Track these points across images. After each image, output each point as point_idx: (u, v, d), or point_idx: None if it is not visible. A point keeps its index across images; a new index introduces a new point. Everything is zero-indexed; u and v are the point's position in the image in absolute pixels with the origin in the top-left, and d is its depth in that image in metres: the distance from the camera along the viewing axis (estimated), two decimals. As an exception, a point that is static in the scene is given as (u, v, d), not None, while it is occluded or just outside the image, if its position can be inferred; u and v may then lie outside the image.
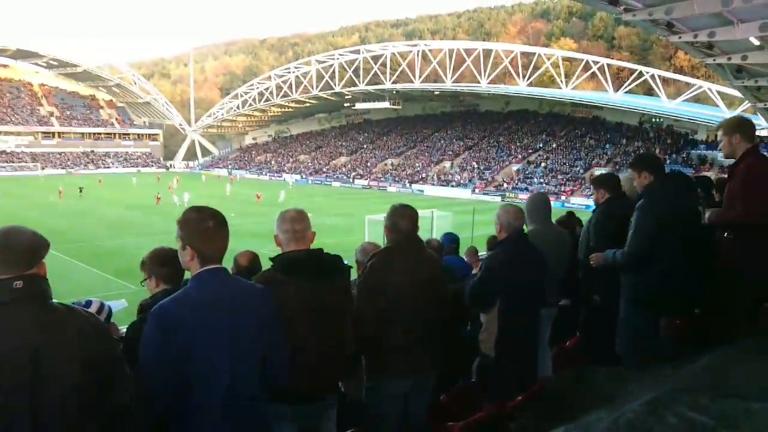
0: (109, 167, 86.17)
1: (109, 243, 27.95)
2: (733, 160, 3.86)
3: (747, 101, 27.49)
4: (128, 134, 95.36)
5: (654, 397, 2.05)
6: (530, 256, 3.99)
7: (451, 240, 5.99)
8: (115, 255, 24.75)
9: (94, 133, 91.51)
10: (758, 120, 30.50)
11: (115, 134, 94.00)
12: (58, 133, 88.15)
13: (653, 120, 57.54)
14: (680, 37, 18.23)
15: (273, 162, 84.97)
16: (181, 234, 2.33)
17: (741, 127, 3.78)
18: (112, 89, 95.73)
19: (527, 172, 58.89)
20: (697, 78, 57.25)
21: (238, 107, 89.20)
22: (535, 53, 62.22)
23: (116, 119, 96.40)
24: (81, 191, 47.37)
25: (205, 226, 2.30)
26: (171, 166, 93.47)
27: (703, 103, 55.63)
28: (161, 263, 3.08)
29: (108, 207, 40.97)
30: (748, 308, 3.50)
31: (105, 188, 54.82)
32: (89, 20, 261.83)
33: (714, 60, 19.82)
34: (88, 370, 1.95)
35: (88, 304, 3.49)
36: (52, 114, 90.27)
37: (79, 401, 1.92)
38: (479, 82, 62.70)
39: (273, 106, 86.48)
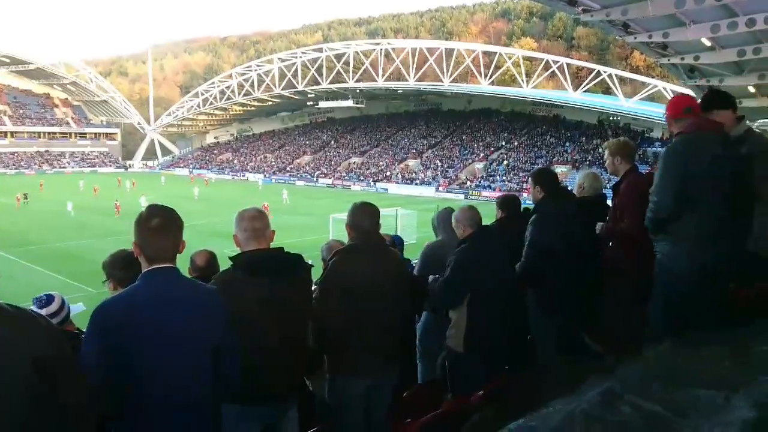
0: (64, 167, 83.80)
1: (64, 245, 27.19)
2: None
3: (699, 100, 28.43)
4: (85, 133, 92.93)
5: (608, 387, 2.11)
6: (497, 251, 4.06)
7: (396, 242, 5.99)
8: (72, 258, 24.13)
9: (49, 133, 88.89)
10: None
11: (70, 134, 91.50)
12: (11, 132, 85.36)
13: (611, 118, 58.87)
14: (636, 38, 18.72)
15: (236, 161, 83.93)
16: (133, 230, 2.33)
17: (623, 150, 4.23)
18: (68, 87, 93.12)
19: (490, 170, 59.57)
20: (653, 77, 58.77)
21: (198, 106, 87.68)
22: (496, 52, 62.90)
23: (72, 118, 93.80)
24: (26, 198, 43.42)
25: (149, 224, 2.29)
26: (130, 165, 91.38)
27: (659, 102, 57.07)
28: (119, 266, 3.05)
29: (62, 209, 39.74)
30: (629, 314, 3.75)
31: (53, 191, 51.33)
32: (43, 16, 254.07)
33: (668, 60, 20.40)
34: (36, 370, 1.90)
35: (50, 299, 3.40)
36: (4, 113, 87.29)
37: (27, 401, 1.87)
38: (442, 81, 63.09)
39: (235, 104, 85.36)
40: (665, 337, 3.11)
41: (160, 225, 2.30)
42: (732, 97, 3.70)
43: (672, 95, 46.88)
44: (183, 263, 2.41)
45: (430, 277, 4.06)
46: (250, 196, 44.02)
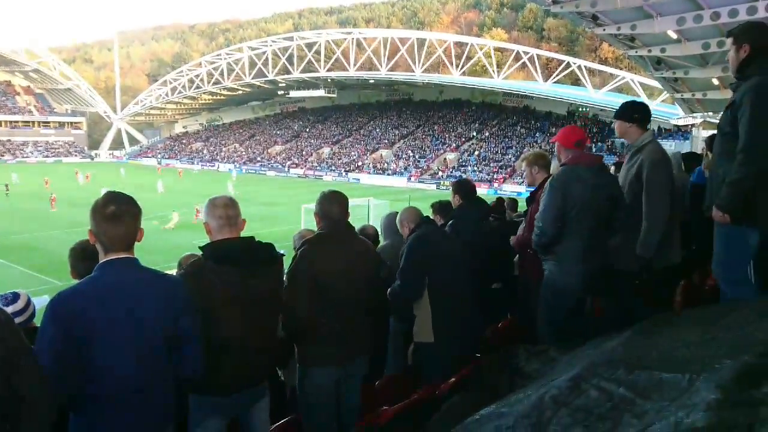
0: (27, 157, 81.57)
1: (25, 237, 26.48)
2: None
3: (666, 92, 28.93)
4: (48, 122, 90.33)
5: (577, 372, 2.14)
6: (446, 236, 4.13)
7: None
8: (34, 249, 23.55)
9: (11, 121, 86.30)
10: (675, 109, 32.16)
11: (33, 122, 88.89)
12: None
13: (580, 109, 59.63)
14: (605, 30, 18.98)
15: (205, 151, 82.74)
16: (89, 216, 2.29)
17: (540, 160, 4.63)
18: (30, 75, 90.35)
19: (461, 161, 59.87)
20: (621, 69, 59.65)
21: (167, 94, 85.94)
22: (467, 43, 63.08)
23: (34, 106, 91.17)
24: (7, 189, 42.15)
25: (104, 211, 2.25)
26: (96, 155, 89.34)
27: (626, 93, 57.95)
28: (82, 257, 3.01)
29: (22, 200, 38.69)
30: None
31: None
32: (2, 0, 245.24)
33: (636, 52, 20.75)
34: None
35: (16, 297, 3.32)
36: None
37: None
38: (413, 71, 63.05)
39: (204, 93, 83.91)
40: (550, 343, 3.62)
41: (116, 212, 2.26)
42: (641, 112, 4.15)
43: (640, 87, 47.89)
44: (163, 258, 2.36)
45: (389, 291, 4.05)
46: (224, 189, 42.87)
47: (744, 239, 3.21)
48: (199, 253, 2.81)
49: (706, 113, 29.58)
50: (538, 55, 57.37)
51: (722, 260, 3.35)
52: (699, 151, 7.53)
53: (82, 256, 3.00)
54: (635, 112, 4.12)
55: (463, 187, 5.01)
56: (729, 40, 3.30)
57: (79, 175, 53.08)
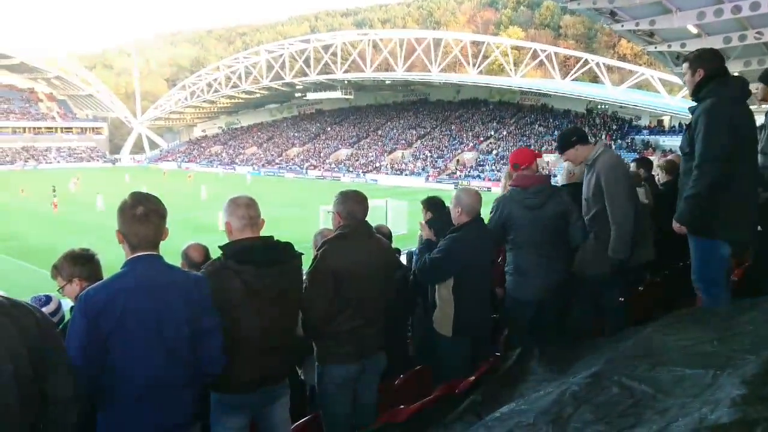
0: (50, 162, 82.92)
1: (44, 240, 26.82)
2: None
3: (686, 87, 28.55)
4: (70, 128, 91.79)
5: (597, 369, 2.13)
6: (485, 240, 4.13)
7: None
8: (55, 252, 23.84)
9: (34, 128, 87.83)
10: (697, 105, 31.76)
11: (56, 128, 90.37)
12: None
13: (599, 107, 59.05)
14: (623, 26, 18.75)
15: (224, 154, 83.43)
16: (117, 217, 2.37)
17: None
18: (52, 81, 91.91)
19: (479, 160, 59.63)
20: (640, 65, 58.98)
21: (186, 99, 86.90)
22: (484, 42, 62.90)
23: (57, 112, 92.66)
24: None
25: (133, 212, 2.34)
26: (117, 160, 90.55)
27: (646, 90, 57.46)
28: (82, 262, 2.99)
29: (40, 203, 39.20)
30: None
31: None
32: (25, 9, 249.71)
33: (655, 48, 20.46)
34: (30, 363, 1.89)
35: (48, 299, 3.40)
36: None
37: (19, 394, 1.86)
38: (430, 71, 62.95)
39: (222, 97, 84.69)
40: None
41: (144, 213, 2.35)
42: (574, 133, 4.43)
43: (659, 83, 47.26)
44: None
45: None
46: (235, 191, 42.39)
47: (717, 251, 3.46)
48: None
49: (728, 108, 29.06)
50: (555, 53, 56.97)
51: (698, 272, 3.60)
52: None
53: (81, 261, 2.99)
54: (571, 137, 4.34)
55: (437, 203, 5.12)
56: (685, 65, 3.53)
57: (72, 181, 51.65)
